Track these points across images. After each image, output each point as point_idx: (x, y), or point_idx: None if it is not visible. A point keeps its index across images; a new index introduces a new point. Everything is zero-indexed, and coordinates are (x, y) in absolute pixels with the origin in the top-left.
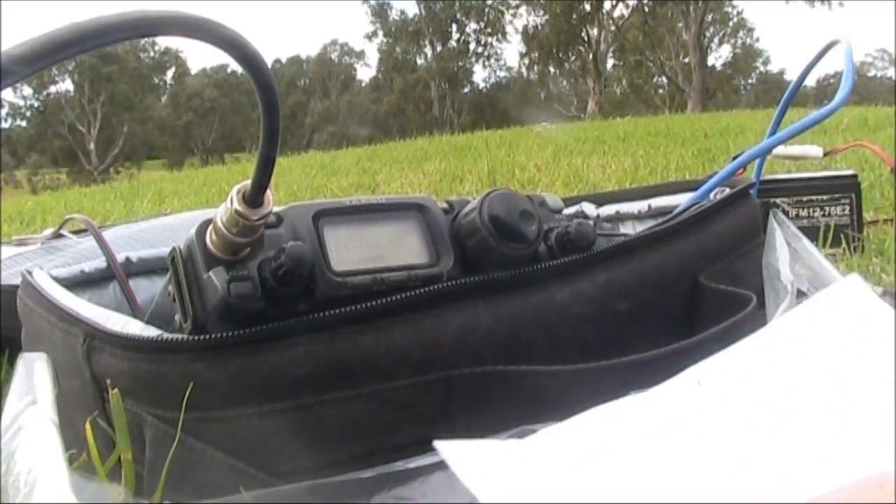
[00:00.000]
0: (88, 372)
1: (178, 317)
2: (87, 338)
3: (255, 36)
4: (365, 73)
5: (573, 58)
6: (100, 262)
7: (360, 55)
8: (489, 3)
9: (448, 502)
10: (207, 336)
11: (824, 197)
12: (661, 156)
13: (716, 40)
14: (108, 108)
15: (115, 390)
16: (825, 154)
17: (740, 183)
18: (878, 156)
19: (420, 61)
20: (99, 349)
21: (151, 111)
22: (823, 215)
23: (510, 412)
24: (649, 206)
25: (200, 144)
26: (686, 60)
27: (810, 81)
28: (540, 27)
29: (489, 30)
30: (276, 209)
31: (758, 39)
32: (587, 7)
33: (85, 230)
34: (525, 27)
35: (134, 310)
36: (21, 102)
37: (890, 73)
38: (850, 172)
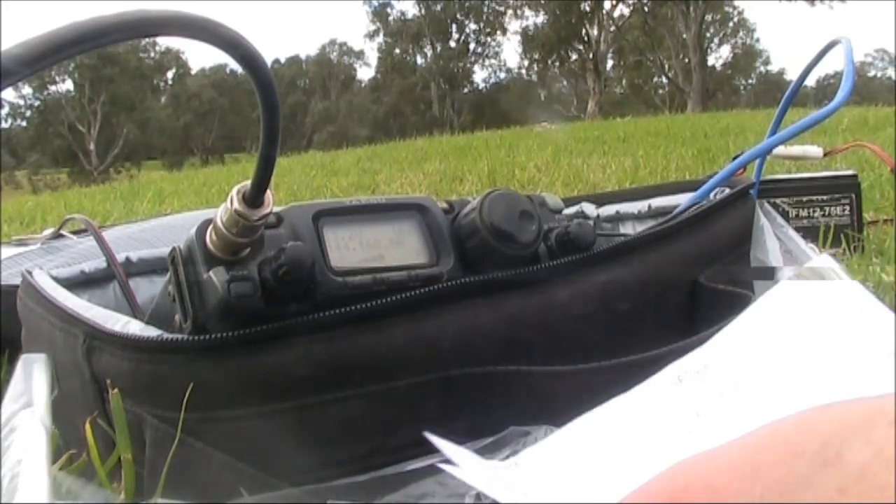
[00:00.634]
0: (88, 372)
1: (178, 317)
2: (87, 338)
3: (254, 36)
4: (365, 73)
5: (573, 58)
6: (100, 262)
7: (360, 55)
8: (489, 3)
9: (448, 502)
10: (207, 336)
11: (824, 197)
12: (661, 156)
13: (716, 40)
14: (109, 108)
15: (115, 390)
16: (825, 154)
17: (740, 183)
18: (878, 156)
19: (420, 61)
20: (99, 349)
21: (151, 111)
22: (823, 215)
23: (510, 412)
24: (649, 206)
25: (200, 144)
26: (686, 60)
27: (810, 81)
28: (540, 27)
29: (489, 30)
30: (276, 209)
31: (758, 39)
32: (587, 7)
33: (85, 230)
34: (525, 27)
35: (134, 310)
36: (21, 102)
37: (890, 73)
38: (850, 172)
